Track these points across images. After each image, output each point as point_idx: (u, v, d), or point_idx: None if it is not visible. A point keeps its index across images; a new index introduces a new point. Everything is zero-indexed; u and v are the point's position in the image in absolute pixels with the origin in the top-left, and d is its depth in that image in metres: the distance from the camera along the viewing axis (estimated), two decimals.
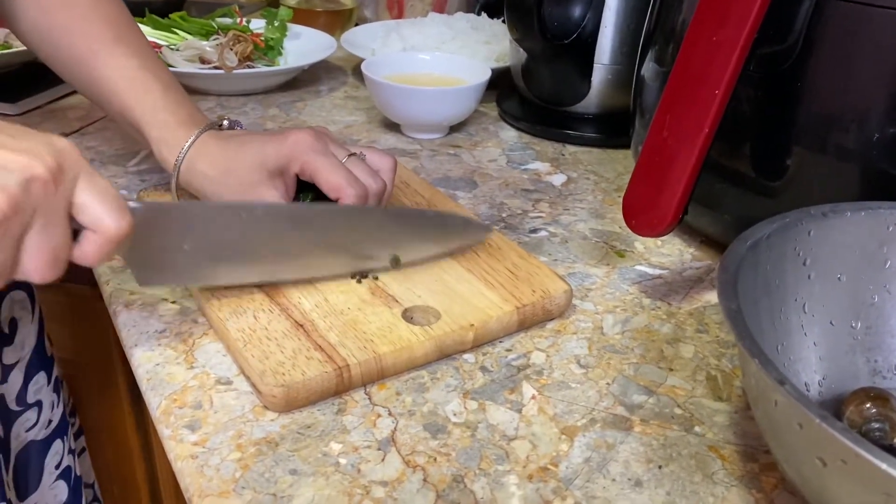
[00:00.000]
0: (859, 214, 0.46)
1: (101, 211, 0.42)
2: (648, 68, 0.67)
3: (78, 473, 0.76)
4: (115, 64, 0.60)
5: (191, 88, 0.91)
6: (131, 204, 0.45)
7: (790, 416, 0.33)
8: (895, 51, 0.50)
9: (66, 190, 0.41)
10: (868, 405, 0.43)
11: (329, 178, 0.56)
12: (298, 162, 0.56)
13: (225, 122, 0.61)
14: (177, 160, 0.58)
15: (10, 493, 0.64)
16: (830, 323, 0.47)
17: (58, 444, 0.72)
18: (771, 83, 0.54)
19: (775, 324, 0.45)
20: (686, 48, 0.52)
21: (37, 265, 0.40)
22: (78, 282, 0.76)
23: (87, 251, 0.43)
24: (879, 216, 0.46)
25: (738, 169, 0.58)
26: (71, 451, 0.75)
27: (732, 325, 0.35)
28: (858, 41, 0.51)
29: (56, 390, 0.72)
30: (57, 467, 0.73)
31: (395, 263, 0.56)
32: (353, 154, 0.59)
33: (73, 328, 0.86)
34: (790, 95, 0.54)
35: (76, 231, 0.43)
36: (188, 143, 0.58)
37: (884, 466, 0.28)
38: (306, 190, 0.59)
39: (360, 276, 0.55)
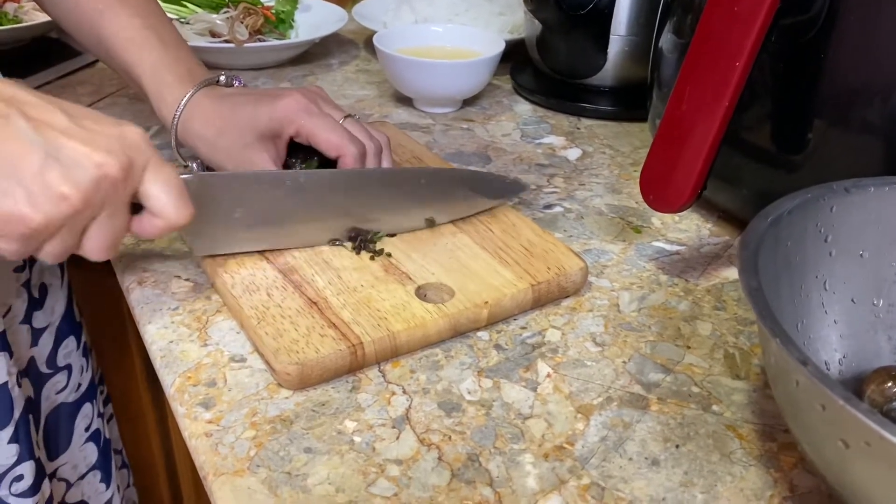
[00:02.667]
0: (883, 189, 0.45)
1: (166, 202, 0.45)
2: (666, 40, 0.65)
3: (107, 437, 0.77)
4: (119, 23, 0.60)
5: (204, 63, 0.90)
6: (184, 177, 0.48)
7: (812, 397, 0.32)
8: None
9: (133, 183, 0.44)
10: (890, 384, 0.42)
11: (328, 137, 0.56)
12: (293, 126, 0.56)
13: (222, 78, 0.61)
14: (173, 120, 0.58)
15: (40, 453, 0.65)
16: (852, 300, 0.46)
17: (87, 408, 0.74)
18: (793, 54, 0.53)
19: (795, 301, 0.44)
20: (706, 18, 0.51)
21: (97, 247, 0.43)
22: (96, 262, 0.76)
23: (146, 229, 0.46)
24: None
25: (758, 143, 0.57)
26: (100, 415, 0.76)
27: (753, 304, 0.35)
28: (884, 11, 0.49)
29: (85, 355, 0.74)
30: (87, 430, 0.74)
31: (431, 224, 0.57)
32: (349, 116, 0.59)
33: (89, 304, 0.86)
34: (813, 67, 0.53)
35: (135, 204, 0.45)
36: (182, 102, 0.58)
37: None
38: (299, 152, 0.59)
39: (375, 253, 0.55)
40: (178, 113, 0.58)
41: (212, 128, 0.57)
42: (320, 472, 0.40)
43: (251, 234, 0.53)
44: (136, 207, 0.46)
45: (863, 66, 0.51)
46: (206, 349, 0.48)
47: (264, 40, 0.92)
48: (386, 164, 0.60)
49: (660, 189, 0.53)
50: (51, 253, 0.42)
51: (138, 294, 0.53)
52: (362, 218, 0.56)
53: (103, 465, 0.76)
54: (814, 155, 0.55)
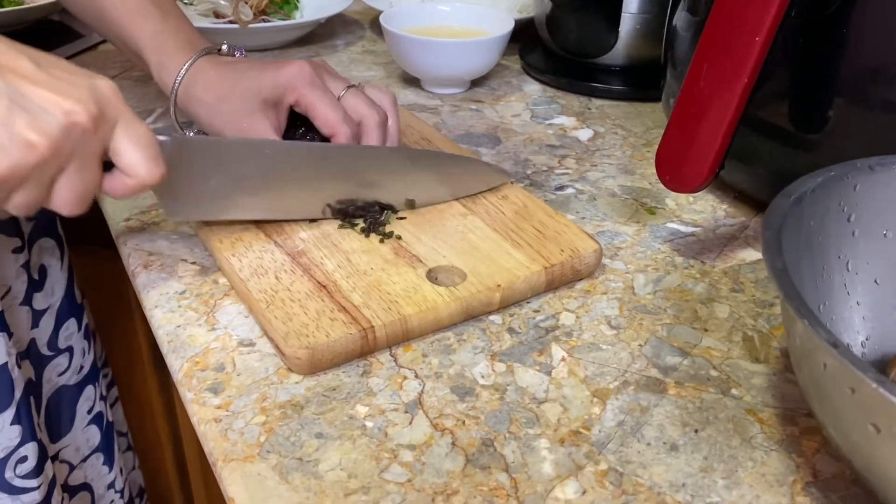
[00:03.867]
0: None
1: (137, 158, 0.44)
2: (681, 17, 0.64)
3: (110, 419, 0.77)
4: None
5: None
6: (161, 138, 0.47)
7: (841, 380, 0.31)
8: None
9: (104, 135, 0.43)
10: None
11: (325, 113, 0.55)
12: (294, 94, 0.56)
13: (224, 47, 0.60)
14: (174, 84, 0.57)
15: (42, 435, 0.65)
16: (875, 282, 0.45)
17: (90, 390, 0.73)
18: (813, 30, 0.52)
19: (817, 282, 0.43)
20: None
21: (66, 200, 0.42)
22: (97, 243, 0.76)
23: (116, 188, 0.45)
24: None
25: (776, 121, 0.56)
26: (103, 398, 0.76)
27: (779, 284, 0.34)
28: None
29: (87, 337, 0.73)
30: (89, 412, 0.74)
31: (410, 206, 0.57)
32: (353, 86, 0.58)
33: (92, 287, 0.86)
34: (833, 44, 0.51)
35: (107, 163, 0.45)
36: (185, 67, 0.57)
37: None
38: (299, 123, 0.58)
39: (385, 236, 0.54)
40: (178, 78, 0.57)
41: (213, 93, 0.57)
42: (332, 457, 0.39)
43: (227, 202, 0.52)
44: (108, 166, 0.45)
45: (885, 42, 0.50)
46: (214, 333, 0.48)
47: (269, 21, 0.91)
48: (392, 128, 0.59)
49: (676, 169, 0.52)
50: (19, 204, 0.41)
51: (144, 278, 0.53)
52: (341, 193, 0.55)
53: (106, 447, 0.76)
54: (832, 134, 0.53)
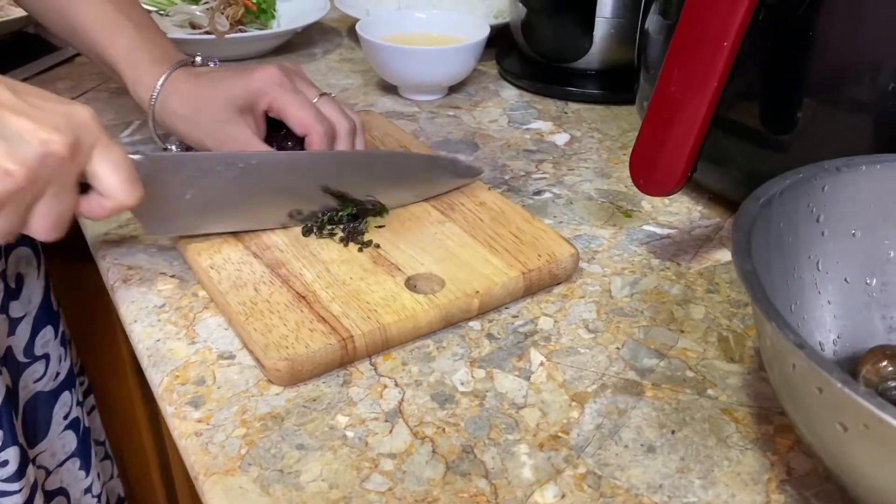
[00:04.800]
0: (875, 168, 0.45)
1: (114, 183, 0.45)
2: (653, 21, 0.65)
3: (87, 426, 0.77)
4: (89, 8, 0.59)
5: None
6: (134, 157, 0.48)
7: (809, 380, 0.32)
8: None
9: (80, 160, 0.44)
10: (885, 363, 0.42)
11: (298, 114, 0.56)
12: (266, 98, 0.56)
13: (198, 59, 0.61)
14: (150, 100, 0.58)
15: (21, 440, 0.65)
16: (845, 280, 0.45)
17: (66, 396, 0.74)
18: (781, 32, 0.52)
19: (788, 283, 0.44)
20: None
21: (44, 227, 0.43)
22: (76, 255, 0.76)
23: (94, 210, 0.46)
24: (895, 169, 0.45)
25: (748, 123, 0.57)
26: (79, 404, 0.76)
27: (748, 287, 0.34)
28: None
29: (63, 345, 0.73)
30: (65, 418, 0.74)
31: (383, 209, 0.57)
32: (325, 94, 0.59)
33: (73, 298, 0.86)
34: (801, 45, 0.52)
35: (84, 184, 0.46)
36: (160, 81, 0.57)
37: None
38: (277, 129, 0.59)
39: (363, 244, 0.54)
40: (154, 93, 0.57)
41: (190, 105, 0.57)
42: (313, 468, 0.40)
43: (203, 217, 0.53)
44: (85, 187, 0.46)
45: (852, 43, 0.51)
46: (193, 347, 0.48)
47: (246, 31, 0.91)
48: (359, 144, 0.60)
49: (650, 172, 0.53)
50: None
51: (123, 292, 0.53)
52: (316, 200, 0.55)
53: (82, 453, 0.76)
54: (803, 134, 0.54)
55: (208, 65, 0.60)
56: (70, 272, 0.84)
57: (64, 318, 0.75)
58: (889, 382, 0.42)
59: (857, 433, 0.30)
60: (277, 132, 0.59)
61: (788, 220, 0.43)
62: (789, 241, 0.44)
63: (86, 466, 0.78)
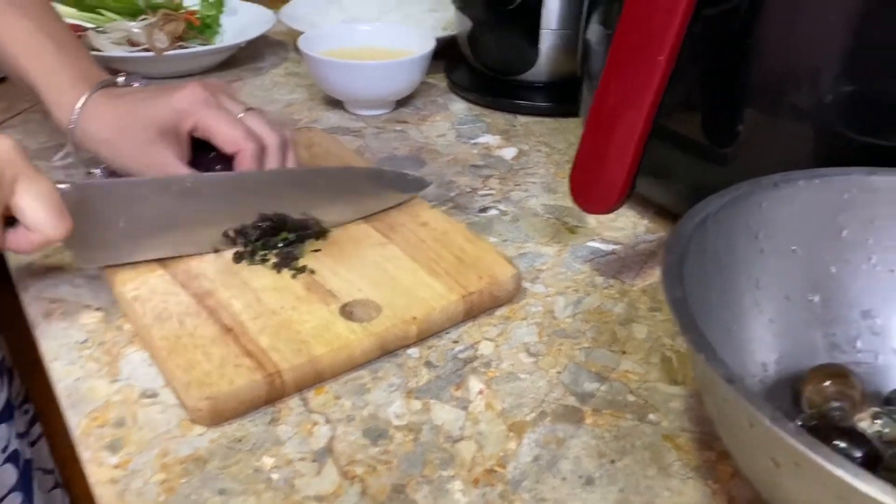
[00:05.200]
0: (812, 183, 0.44)
1: (40, 217, 0.44)
2: (594, 31, 0.64)
3: (28, 458, 0.74)
4: (10, 27, 0.57)
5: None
6: (61, 186, 0.47)
7: (739, 413, 0.30)
8: (847, 5, 0.47)
9: (4, 194, 0.43)
10: (827, 383, 0.41)
11: (225, 132, 0.54)
12: (191, 119, 0.54)
13: (120, 79, 0.58)
14: (70, 123, 0.55)
15: None
16: (786, 298, 0.44)
17: (3, 429, 0.71)
18: (719, 45, 0.52)
19: (728, 303, 0.42)
20: (627, 10, 0.49)
21: None
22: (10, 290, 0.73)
23: (21, 244, 0.45)
24: (833, 184, 0.44)
25: (689, 136, 0.56)
26: (20, 436, 0.73)
27: (677, 316, 0.33)
28: None
29: (2, 374, 0.70)
30: (3, 451, 0.71)
31: (319, 226, 0.56)
32: (251, 109, 0.57)
33: (23, 328, 0.83)
34: (739, 57, 0.51)
35: (10, 217, 0.45)
36: (79, 104, 0.55)
37: (838, 472, 0.26)
38: (208, 148, 0.57)
39: (297, 270, 0.52)
40: (73, 117, 0.55)
41: (111, 129, 0.55)
42: None
43: (137, 244, 0.51)
44: (12, 220, 0.45)
45: (789, 55, 0.50)
46: (115, 385, 0.45)
47: (186, 47, 0.88)
48: (290, 160, 0.58)
49: (589, 190, 0.52)
50: None
51: (44, 328, 0.50)
52: (251, 220, 0.54)
53: (24, 486, 0.73)
54: (745, 146, 0.53)
55: (132, 85, 0.58)
56: (8, 298, 0.81)
57: (5, 346, 0.73)
58: (832, 403, 0.41)
59: (789, 469, 0.29)
60: (205, 153, 0.57)
61: (726, 238, 0.42)
62: (727, 259, 0.43)
63: (28, 500, 0.75)
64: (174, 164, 0.54)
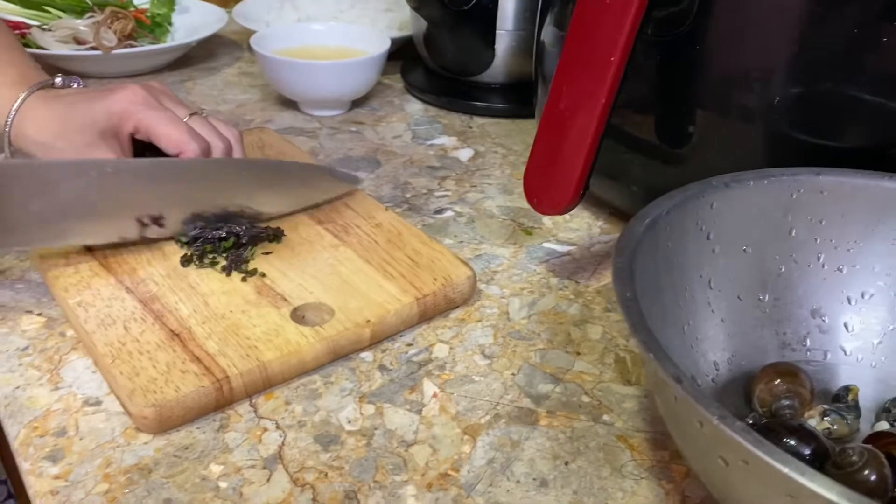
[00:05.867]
0: (762, 183, 0.44)
1: None
2: (548, 32, 0.64)
3: None
4: None
5: (68, 72, 0.83)
6: None
7: (689, 413, 0.30)
8: (793, 10, 0.47)
9: None
10: (777, 381, 0.41)
11: (168, 132, 0.53)
12: (132, 121, 0.53)
13: (58, 80, 0.56)
14: (5, 126, 0.54)
15: None
16: (738, 297, 0.45)
17: None
18: (669, 46, 0.52)
19: (680, 303, 0.43)
20: (579, 13, 0.49)
21: None
22: None
23: None
24: (782, 184, 0.45)
25: (642, 137, 0.56)
26: None
27: (627, 317, 0.33)
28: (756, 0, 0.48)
29: None
30: None
31: (257, 217, 0.55)
32: (195, 113, 0.56)
33: None
34: (690, 59, 0.51)
35: None
36: (14, 106, 0.53)
37: (785, 470, 0.26)
38: (146, 151, 0.55)
39: (247, 273, 0.51)
40: (9, 119, 0.53)
41: (47, 132, 0.53)
42: None
43: (53, 228, 0.49)
44: None
45: (738, 55, 0.50)
46: (57, 393, 0.44)
47: (136, 46, 0.86)
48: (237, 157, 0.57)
49: (543, 191, 0.51)
50: None
51: None
52: (182, 211, 0.53)
53: None
54: (698, 147, 0.54)
55: (70, 86, 0.56)
56: None
57: None
58: (783, 401, 0.41)
59: (738, 468, 0.29)
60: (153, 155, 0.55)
61: (677, 238, 0.42)
62: (679, 260, 0.43)
63: None
64: None
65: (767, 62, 0.49)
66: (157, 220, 0.52)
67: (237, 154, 0.57)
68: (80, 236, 0.51)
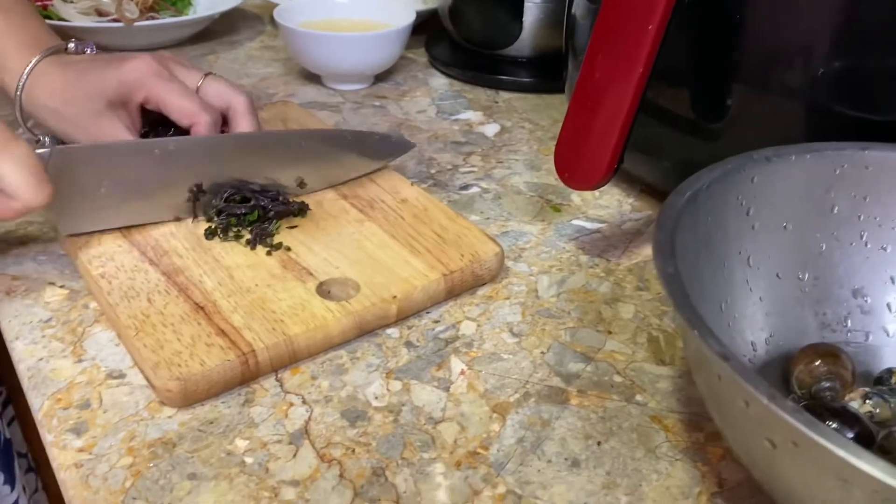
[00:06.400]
0: (805, 157, 0.43)
1: (20, 182, 0.43)
2: (579, 5, 0.62)
3: (7, 437, 0.72)
4: None
5: None
6: (41, 151, 0.45)
7: (735, 392, 0.29)
8: None
9: None
10: (818, 363, 0.40)
11: (179, 104, 0.52)
12: (142, 91, 0.53)
13: (71, 45, 0.56)
14: (17, 89, 0.53)
15: None
16: (777, 276, 0.43)
17: None
18: (709, 16, 0.50)
19: (718, 280, 0.41)
20: None
21: None
22: None
23: (1, 211, 0.44)
24: (826, 158, 0.43)
25: (677, 111, 0.54)
26: None
27: (669, 292, 0.31)
28: None
29: None
30: None
31: (301, 185, 0.55)
32: (210, 73, 0.56)
33: None
34: (730, 29, 0.50)
35: None
36: (26, 70, 0.53)
37: (840, 452, 0.24)
38: (157, 123, 0.56)
39: (272, 247, 0.50)
40: (20, 83, 0.53)
41: (58, 97, 0.53)
42: (206, 500, 0.36)
43: (120, 208, 0.50)
44: None
45: (781, 26, 0.49)
46: (80, 365, 0.43)
47: (157, 18, 0.85)
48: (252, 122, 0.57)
49: (575, 166, 0.50)
50: None
51: (6, 306, 0.48)
52: (231, 183, 0.53)
53: (5, 465, 0.71)
54: (735, 122, 0.52)
55: (84, 52, 0.56)
56: None
57: None
58: (823, 383, 0.40)
59: (786, 450, 0.27)
60: (165, 126, 0.55)
61: (717, 214, 0.41)
62: (718, 236, 0.41)
63: (10, 480, 0.73)
64: (121, 137, 0.52)
65: (812, 32, 0.47)
66: (203, 193, 0.52)
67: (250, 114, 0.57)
68: (141, 215, 0.51)
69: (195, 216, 0.53)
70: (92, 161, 0.48)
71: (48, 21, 0.77)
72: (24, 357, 0.44)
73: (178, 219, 0.52)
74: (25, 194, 0.43)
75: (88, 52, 0.56)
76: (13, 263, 0.51)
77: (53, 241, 0.53)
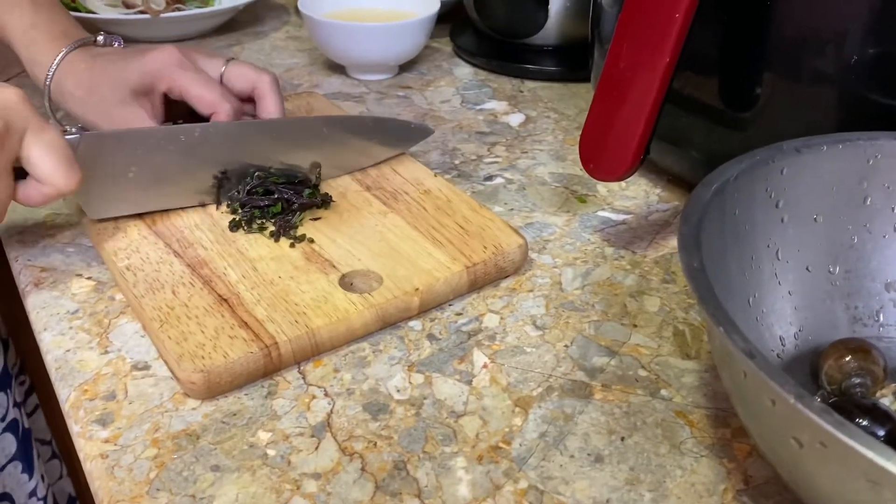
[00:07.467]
0: (836, 148, 0.42)
1: (51, 167, 0.44)
2: None
3: (27, 427, 0.73)
4: None
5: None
6: (70, 137, 0.46)
7: (761, 390, 0.28)
8: None
9: (12, 146, 0.42)
10: (848, 358, 0.39)
11: (201, 93, 0.53)
12: (165, 81, 0.54)
13: (100, 38, 0.58)
14: (46, 80, 0.55)
15: None
16: (806, 269, 0.42)
17: (1, 398, 0.70)
18: (738, 1, 0.49)
19: (746, 274, 0.40)
20: None
21: None
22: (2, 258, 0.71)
23: (31, 197, 0.45)
24: (858, 148, 0.42)
25: (705, 100, 0.53)
26: (17, 405, 0.72)
27: (694, 287, 0.31)
28: None
29: None
30: (2, 419, 0.70)
31: (316, 167, 0.55)
32: (231, 59, 0.57)
33: (16, 298, 0.82)
34: (759, 15, 0.48)
35: (20, 169, 0.44)
36: (56, 61, 0.55)
37: (870, 454, 0.24)
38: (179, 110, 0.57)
39: (295, 239, 0.50)
40: (50, 73, 0.55)
41: (84, 86, 0.54)
42: (228, 492, 0.36)
43: (147, 193, 0.51)
44: (22, 172, 0.44)
45: (813, 11, 0.47)
46: (106, 357, 0.44)
47: (183, 9, 0.86)
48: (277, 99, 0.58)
49: (600, 157, 0.49)
50: None
51: (34, 298, 0.48)
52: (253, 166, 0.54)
53: (24, 455, 0.73)
54: (764, 111, 0.51)
55: (112, 45, 0.57)
56: (3, 267, 0.79)
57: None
58: (853, 379, 0.39)
59: (813, 450, 0.27)
60: (189, 115, 0.56)
61: (745, 206, 0.40)
62: (746, 228, 0.40)
63: (28, 469, 0.74)
64: (146, 125, 0.54)
65: (845, 18, 0.46)
66: (228, 179, 0.53)
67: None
68: (166, 200, 0.52)
69: (219, 202, 0.53)
70: (120, 147, 0.49)
71: (76, 13, 0.78)
72: (51, 348, 0.45)
73: (203, 204, 0.53)
74: (56, 180, 0.44)
75: (116, 45, 0.57)
76: (41, 255, 0.52)
77: (82, 233, 0.54)
